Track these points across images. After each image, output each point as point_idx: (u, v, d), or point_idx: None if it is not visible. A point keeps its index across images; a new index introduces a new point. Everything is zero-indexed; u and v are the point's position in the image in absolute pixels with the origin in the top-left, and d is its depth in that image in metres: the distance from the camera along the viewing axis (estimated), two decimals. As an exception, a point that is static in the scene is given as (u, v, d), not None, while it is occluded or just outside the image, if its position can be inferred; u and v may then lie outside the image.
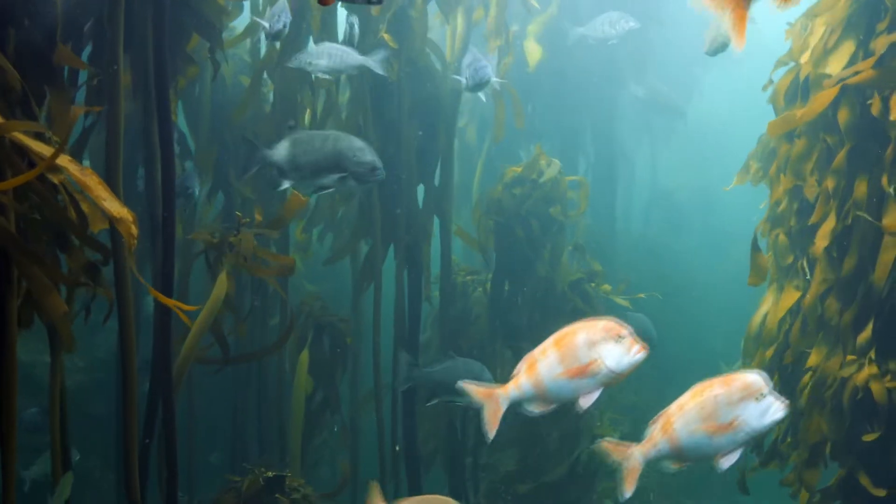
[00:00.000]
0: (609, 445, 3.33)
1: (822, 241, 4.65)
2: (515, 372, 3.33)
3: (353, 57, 5.36)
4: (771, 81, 5.54)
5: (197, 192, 5.98)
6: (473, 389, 3.36)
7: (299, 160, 5.07)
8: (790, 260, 5.20)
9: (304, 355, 6.32)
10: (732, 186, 6.14)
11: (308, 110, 6.42)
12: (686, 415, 3.23)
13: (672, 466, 3.32)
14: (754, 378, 3.18)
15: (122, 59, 4.16)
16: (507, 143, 9.97)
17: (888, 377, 4.39)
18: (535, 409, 3.33)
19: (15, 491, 3.41)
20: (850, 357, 4.56)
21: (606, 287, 7.07)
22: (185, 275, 6.11)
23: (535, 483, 6.99)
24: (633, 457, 3.25)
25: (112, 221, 3.36)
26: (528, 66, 8.96)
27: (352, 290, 7.03)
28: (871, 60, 4.53)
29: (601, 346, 3.26)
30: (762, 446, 5.44)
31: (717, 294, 11.10)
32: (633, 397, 9.39)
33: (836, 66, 4.67)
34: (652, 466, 3.33)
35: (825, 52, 4.79)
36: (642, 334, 8.15)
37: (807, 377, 4.89)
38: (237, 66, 7.09)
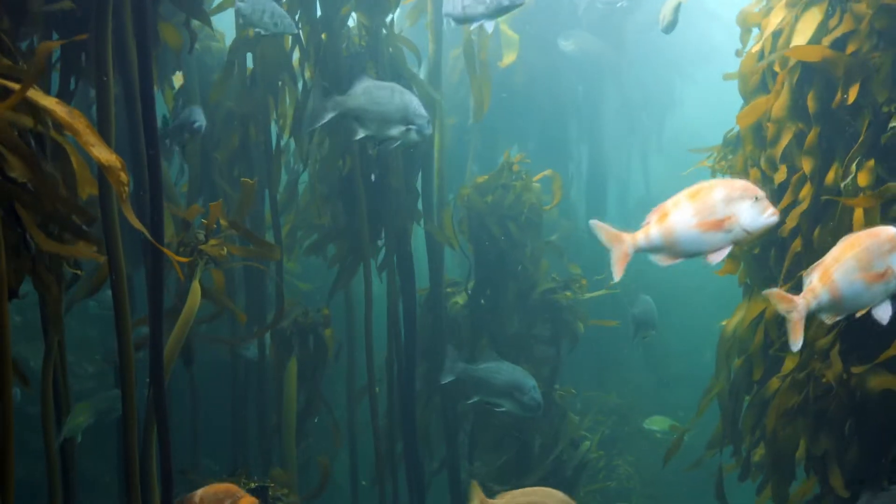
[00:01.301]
0: (777, 295, 3.37)
1: (791, 221, 4.63)
2: (645, 222, 3.36)
3: None
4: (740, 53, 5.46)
5: (203, 127, 5.84)
6: (604, 231, 3.40)
7: (371, 109, 5.12)
8: (757, 252, 5.17)
9: (293, 364, 6.35)
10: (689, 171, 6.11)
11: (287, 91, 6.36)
12: (844, 265, 3.28)
13: (826, 320, 3.39)
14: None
15: (109, 27, 4.10)
16: (494, 148, 10.04)
17: (852, 379, 4.37)
18: (660, 260, 3.37)
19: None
20: (815, 361, 4.55)
21: (583, 281, 7.08)
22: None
23: (518, 485, 6.98)
24: (798, 308, 3.29)
25: (101, 169, 3.17)
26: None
27: (332, 285, 6.91)
28: (830, 39, 4.47)
29: (738, 203, 3.27)
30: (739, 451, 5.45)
31: (703, 297, 11.13)
32: (617, 400, 9.44)
33: (799, 49, 4.54)
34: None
35: (789, 34, 4.71)
36: (648, 316, 8.28)
37: (774, 383, 4.88)
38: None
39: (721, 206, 3.25)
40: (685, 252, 3.33)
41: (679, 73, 12.28)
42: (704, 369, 9.30)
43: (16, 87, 3.00)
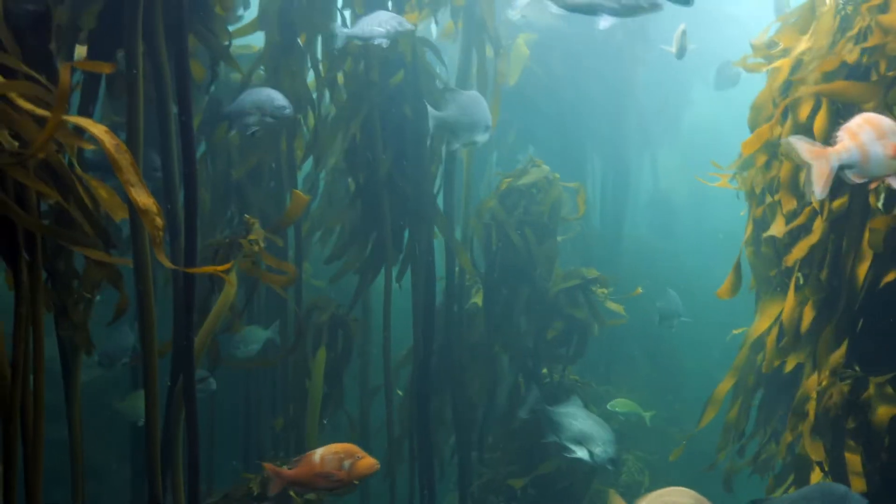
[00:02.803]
0: (805, 145, 3.49)
1: (798, 252, 4.80)
2: (838, 139, 3.50)
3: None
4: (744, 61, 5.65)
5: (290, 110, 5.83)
6: (804, 147, 3.49)
7: (460, 121, 5.51)
8: (772, 273, 5.37)
9: (322, 353, 6.49)
10: (718, 185, 6.31)
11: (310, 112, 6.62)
12: (866, 132, 3.45)
13: (853, 178, 3.51)
14: None
15: (140, 46, 4.23)
16: (510, 151, 10.22)
17: (866, 392, 4.52)
18: (854, 177, 3.50)
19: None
20: (825, 373, 4.69)
21: (602, 290, 7.26)
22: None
23: (532, 477, 7.18)
24: (828, 157, 3.45)
25: (137, 211, 3.21)
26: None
27: (356, 287, 7.14)
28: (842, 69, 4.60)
29: None
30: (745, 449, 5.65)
31: (712, 297, 11.28)
32: (628, 394, 9.63)
33: (811, 82, 4.75)
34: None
35: (801, 66, 4.93)
36: (673, 311, 8.76)
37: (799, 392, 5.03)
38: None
39: None
40: (873, 172, 3.48)
41: (695, 74, 12.42)
42: (713, 366, 9.53)
43: (48, 114, 3.02)
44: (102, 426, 6.90)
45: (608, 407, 8.72)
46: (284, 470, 4.33)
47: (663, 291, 8.76)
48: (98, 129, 3.10)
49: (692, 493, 3.72)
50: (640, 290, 7.61)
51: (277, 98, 5.63)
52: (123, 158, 3.12)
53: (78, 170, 3.44)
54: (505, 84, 7.36)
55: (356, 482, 4.15)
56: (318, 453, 4.10)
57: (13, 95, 3.09)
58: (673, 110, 12.66)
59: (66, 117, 3.08)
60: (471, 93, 5.71)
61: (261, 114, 5.61)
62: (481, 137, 5.56)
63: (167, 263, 3.51)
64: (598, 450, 6.08)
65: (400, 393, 7.55)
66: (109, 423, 7.03)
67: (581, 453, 6.11)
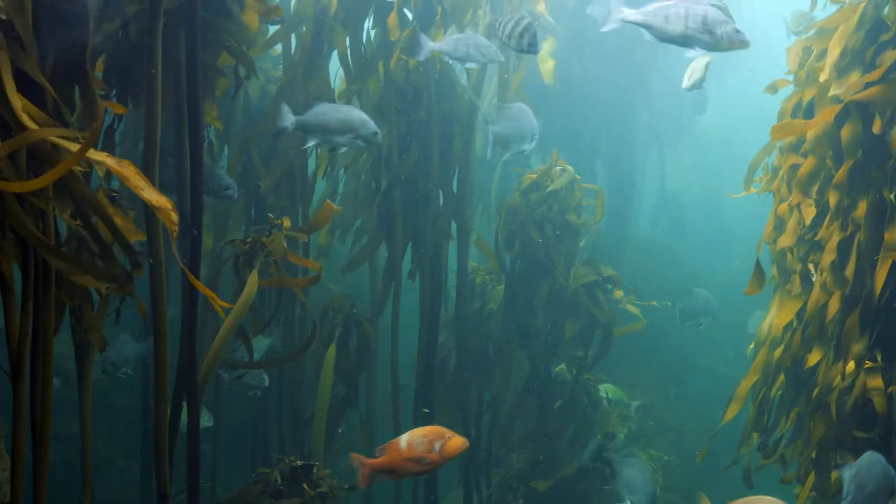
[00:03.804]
0: None
1: (829, 255, 4.86)
2: None
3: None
4: (775, 89, 5.74)
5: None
6: None
7: (511, 133, 5.75)
8: (795, 268, 5.42)
9: (332, 350, 6.51)
10: (740, 195, 6.40)
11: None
12: None
13: None
14: None
15: (159, 66, 4.28)
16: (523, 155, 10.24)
17: (888, 384, 4.61)
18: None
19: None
20: (850, 365, 4.76)
21: (618, 293, 7.31)
22: (214, 281, 6.20)
23: (547, 479, 7.22)
24: None
25: (151, 210, 3.39)
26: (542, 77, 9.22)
27: (370, 291, 7.23)
28: (876, 76, 4.69)
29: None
30: (767, 443, 5.71)
31: (722, 297, 11.34)
32: (640, 397, 9.66)
33: (839, 86, 4.85)
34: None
35: (830, 73, 4.97)
36: (707, 309, 8.90)
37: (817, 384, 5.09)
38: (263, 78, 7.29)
39: None
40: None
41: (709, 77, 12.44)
42: (726, 365, 9.57)
43: (71, 147, 3.22)
44: (110, 423, 6.94)
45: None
46: (370, 460, 4.29)
47: (687, 291, 8.88)
48: (100, 156, 3.30)
49: (776, 500, 3.75)
50: (635, 289, 7.65)
51: (369, 122, 5.47)
52: (128, 170, 3.32)
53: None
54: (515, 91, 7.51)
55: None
56: (404, 439, 4.11)
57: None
58: (688, 113, 12.68)
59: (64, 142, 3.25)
60: (518, 105, 5.90)
61: (354, 135, 5.44)
62: (529, 146, 5.77)
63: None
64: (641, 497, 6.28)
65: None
66: (117, 420, 7.08)
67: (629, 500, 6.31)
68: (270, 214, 5.48)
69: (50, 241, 3.50)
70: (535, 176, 7.31)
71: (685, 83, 6.80)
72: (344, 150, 5.59)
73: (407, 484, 6.98)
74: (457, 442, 4.06)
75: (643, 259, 12.19)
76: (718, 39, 3.94)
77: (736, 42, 3.97)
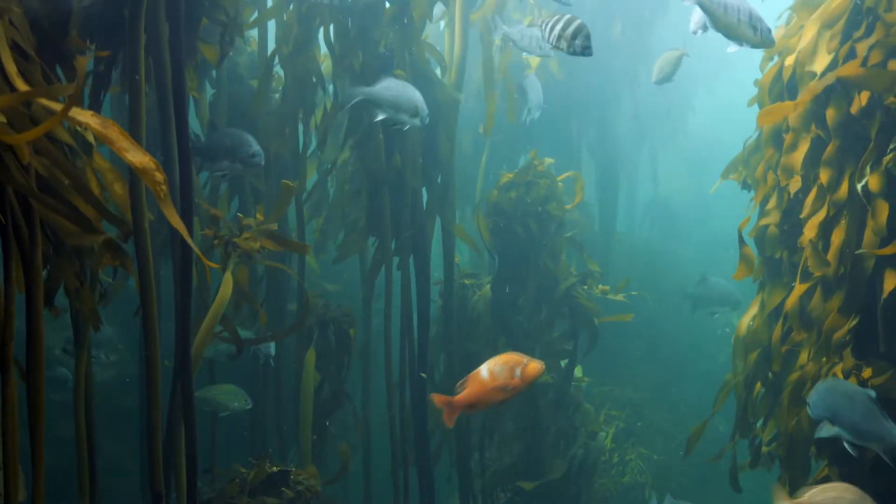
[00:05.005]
0: None
1: (809, 231, 4.77)
2: None
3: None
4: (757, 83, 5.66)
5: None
6: None
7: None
8: (777, 255, 5.31)
9: (311, 354, 6.46)
10: (716, 188, 6.31)
11: (319, 109, 6.68)
12: None
13: None
14: None
15: (142, 39, 4.18)
16: (509, 149, 10.18)
17: (865, 373, 4.48)
18: None
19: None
20: (832, 357, 4.65)
21: (604, 287, 7.21)
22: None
23: (535, 478, 7.11)
24: None
25: (136, 172, 3.25)
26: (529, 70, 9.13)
27: (361, 284, 7.15)
28: (858, 60, 4.60)
29: None
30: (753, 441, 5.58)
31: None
32: (631, 394, 9.56)
33: (821, 64, 4.75)
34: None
35: (812, 51, 4.88)
36: (723, 299, 8.83)
37: (793, 376, 4.99)
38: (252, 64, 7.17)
39: None
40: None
41: (699, 79, 12.45)
42: (718, 369, 9.45)
43: (55, 106, 3.14)
44: (117, 425, 6.85)
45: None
46: (453, 398, 4.12)
47: (703, 279, 8.84)
48: (85, 115, 3.17)
49: (855, 489, 3.74)
50: (623, 285, 7.54)
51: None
52: (111, 131, 3.16)
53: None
54: (501, 80, 7.43)
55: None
56: (484, 369, 4.01)
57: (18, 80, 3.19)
58: (676, 114, 12.64)
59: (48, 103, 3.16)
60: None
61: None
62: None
63: (178, 225, 3.38)
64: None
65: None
66: (124, 422, 6.98)
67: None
68: (240, 214, 5.39)
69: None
70: (511, 175, 7.24)
71: (654, 77, 6.70)
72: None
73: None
74: (535, 366, 4.01)
75: (634, 259, 12.11)
76: (758, 35, 4.32)
77: (768, 41, 4.35)
